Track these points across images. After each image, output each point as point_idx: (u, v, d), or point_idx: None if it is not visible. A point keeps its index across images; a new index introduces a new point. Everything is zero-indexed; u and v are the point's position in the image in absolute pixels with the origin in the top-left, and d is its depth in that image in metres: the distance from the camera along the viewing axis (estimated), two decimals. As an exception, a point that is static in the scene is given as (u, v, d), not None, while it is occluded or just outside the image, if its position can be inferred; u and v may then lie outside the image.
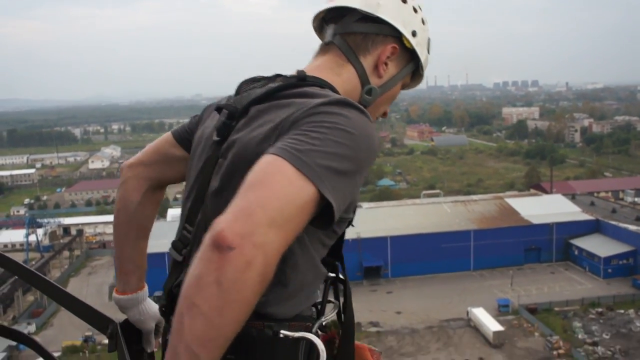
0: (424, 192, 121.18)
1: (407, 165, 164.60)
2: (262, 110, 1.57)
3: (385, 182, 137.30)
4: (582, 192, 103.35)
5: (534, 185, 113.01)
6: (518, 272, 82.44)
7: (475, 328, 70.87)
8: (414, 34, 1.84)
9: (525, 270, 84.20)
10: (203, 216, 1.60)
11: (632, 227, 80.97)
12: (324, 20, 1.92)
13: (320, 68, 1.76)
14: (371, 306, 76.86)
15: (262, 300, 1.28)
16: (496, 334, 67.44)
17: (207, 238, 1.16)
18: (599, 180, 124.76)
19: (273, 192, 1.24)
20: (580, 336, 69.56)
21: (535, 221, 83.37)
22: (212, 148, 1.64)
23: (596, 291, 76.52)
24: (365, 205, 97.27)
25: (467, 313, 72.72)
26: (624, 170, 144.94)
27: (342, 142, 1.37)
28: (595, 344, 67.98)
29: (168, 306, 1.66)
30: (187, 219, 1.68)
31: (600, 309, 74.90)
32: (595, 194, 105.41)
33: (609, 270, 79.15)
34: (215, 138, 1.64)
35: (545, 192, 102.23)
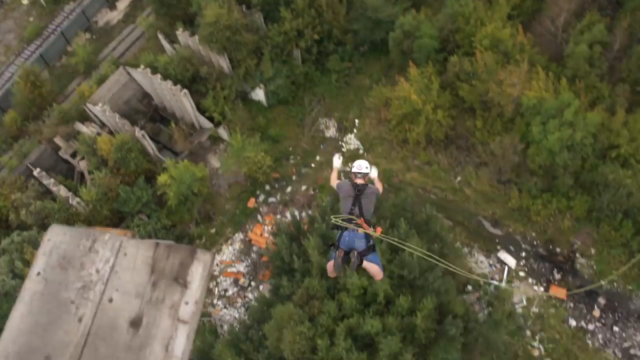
0: None
1: None
2: (367, 190, 11.30)
3: None
4: None
5: None
6: None
7: None
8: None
9: None
10: (357, 204, 11.13)
11: None
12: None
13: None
14: None
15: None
16: None
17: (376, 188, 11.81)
18: None
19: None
20: None
21: None
22: (355, 194, 11.18)
23: None
24: None
25: None
26: None
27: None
28: None
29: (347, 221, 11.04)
30: (352, 204, 11.13)
31: None
32: None
33: None
34: (356, 193, 11.21)
35: None
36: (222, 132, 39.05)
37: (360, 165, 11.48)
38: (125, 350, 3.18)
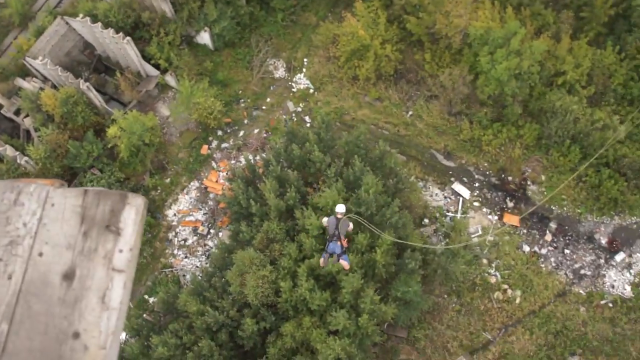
0: None
1: None
2: (342, 221, 21.16)
3: None
4: None
5: None
6: None
7: None
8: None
9: None
10: (337, 228, 20.85)
11: None
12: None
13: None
14: None
15: None
16: None
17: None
18: None
19: None
20: None
21: None
22: (336, 223, 20.92)
23: None
24: None
25: None
26: None
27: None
28: None
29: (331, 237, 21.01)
30: (335, 228, 20.92)
31: None
32: None
33: None
34: (335, 224, 21.08)
35: None
36: (170, 79, 38.10)
37: (340, 208, 20.97)
38: (60, 305, 3.02)
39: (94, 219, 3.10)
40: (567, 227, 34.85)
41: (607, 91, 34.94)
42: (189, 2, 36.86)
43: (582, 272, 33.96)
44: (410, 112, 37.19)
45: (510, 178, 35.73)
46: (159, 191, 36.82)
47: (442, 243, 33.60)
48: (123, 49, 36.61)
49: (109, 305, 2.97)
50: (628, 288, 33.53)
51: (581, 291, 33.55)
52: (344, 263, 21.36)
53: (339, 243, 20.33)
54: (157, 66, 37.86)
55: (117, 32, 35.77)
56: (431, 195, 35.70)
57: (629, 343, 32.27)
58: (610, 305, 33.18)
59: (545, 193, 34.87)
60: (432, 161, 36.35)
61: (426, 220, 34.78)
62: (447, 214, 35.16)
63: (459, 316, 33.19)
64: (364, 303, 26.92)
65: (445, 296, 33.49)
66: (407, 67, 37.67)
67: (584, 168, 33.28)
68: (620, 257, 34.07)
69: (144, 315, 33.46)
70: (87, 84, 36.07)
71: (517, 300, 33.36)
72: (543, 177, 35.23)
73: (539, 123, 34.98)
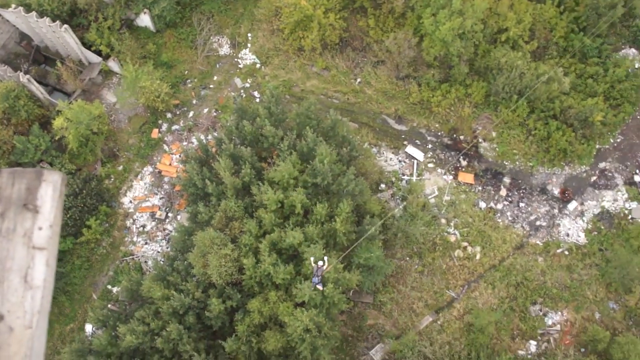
0: None
1: None
2: (323, 266, 27.19)
3: None
4: None
5: None
6: None
7: None
8: None
9: None
10: (317, 271, 27.26)
11: None
12: None
13: None
14: None
15: None
16: None
17: None
18: None
19: None
20: None
21: None
22: (317, 268, 27.06)
23: None
24: None
25: None
26: None
27: None
28: None
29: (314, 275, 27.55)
30: (315, 271, 27.11)
31: None
32: None
33: None
34: (316, 268, 27.58)
35: None
36: (113, 64, 37.25)
37: (323, 261, 26.11)
38: None
39: (10, 198, 3.00)
40: (520, 181, 35.56)
41: (549, 45, 35.49)
42: (126, -16, 36.02)
43: (538, 223, 34.78)
44: (358, 80, 37.19)
45: (462, 137, 36.16)
46: (112, 179, 36.20)
47: (400, 207, 33.97)
48: (61, 38, 35.61)
49: (32, 284, 2.90)
50: (582, 235, 34.50)
51: (538, 242, 34.39)
52: (319, 287, 26.97)
53: (317, 278, 26.63)
54: (98, 52, 36.95)
55: (54, 21, 34.77)
56: (386, 161, 35.94)
57: (586, 287, 33.31)
58: (567, 253, 34.12)
59: (497, 149, 35.46)
60: (384, 126, 36.51)
61: (382, 186, 35.04)
62: (403, 177, 35.48)
63: (422, 277, 33.73)
64: (328, 273, 27.14)
65: (408, 259, 33.94)
66: (352, 35, 37.57)
67: (514, 104, 33.90)
68: (572, 205, 34.97)
69: (109, 305, 33.09)
70: (28, 76, 35.04)
71: (478, 256, 34.03)
72: (494, 134, 35.76)
73: (485, 81, 35.39)
